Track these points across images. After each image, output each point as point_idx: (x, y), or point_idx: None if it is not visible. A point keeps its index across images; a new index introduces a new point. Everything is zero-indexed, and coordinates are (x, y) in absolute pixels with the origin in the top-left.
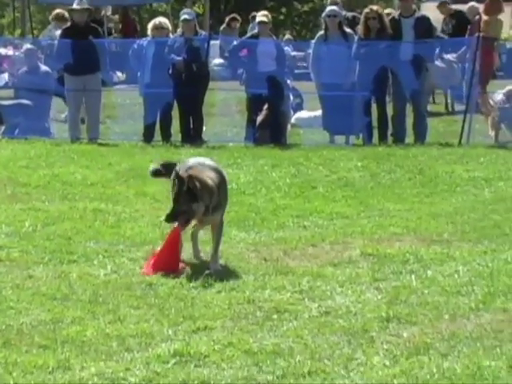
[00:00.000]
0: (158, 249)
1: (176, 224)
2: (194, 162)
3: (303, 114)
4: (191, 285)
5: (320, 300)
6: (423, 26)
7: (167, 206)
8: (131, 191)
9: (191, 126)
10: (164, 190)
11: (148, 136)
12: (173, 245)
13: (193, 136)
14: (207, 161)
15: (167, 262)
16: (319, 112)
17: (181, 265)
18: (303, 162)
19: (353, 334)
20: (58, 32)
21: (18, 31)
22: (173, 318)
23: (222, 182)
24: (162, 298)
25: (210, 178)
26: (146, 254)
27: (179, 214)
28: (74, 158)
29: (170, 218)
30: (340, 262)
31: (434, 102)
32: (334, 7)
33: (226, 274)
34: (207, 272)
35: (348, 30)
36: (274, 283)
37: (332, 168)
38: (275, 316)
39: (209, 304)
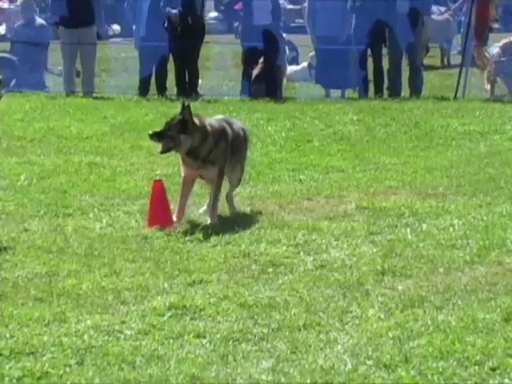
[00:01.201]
0: (149, 203)
1: (158, 149)
2: (221, 117)
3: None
4: (187, 238)
5: (315, 253)
6: None
7: (163, 161)
8: (126, 145)
9: (187, 79)
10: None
11: (143, 89)
12: (159, 200)
13: (188, 89)
14: (234, 119)
15: (159, 218)
16: (304, 65)
17: (174, 218)
18: (299, 115)
19: (348, 287)
20: None
21: None
22: (168, 271)
23: (236, 141)
24: (157, 252)
25: (217, 128)
26: (141, 207)
27: (165, 137)
28: (69, 112)
29: (155, 136)
30: (335, 215)
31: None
32: None
33: (221, 227)
34: (203, 225)
35: None
36: (269, 237)
37: (327, 122)
38: (270, 269)
39: (204, 257)
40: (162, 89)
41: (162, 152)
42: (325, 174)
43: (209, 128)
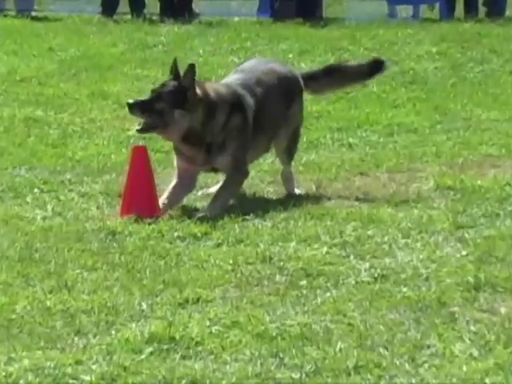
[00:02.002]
0: (125, 181)
1: (136, 127)
2: (251, 63)
3: None
4: (176, 234)
5: (372, 257)
6: None
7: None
8: (83, 91)
9: None
10: (134, 87)
11: (109, 6)
12: (140, 176)
13: (178, 5)
14: (276, 65)
15: (139, 203)
16: None
17: (161, 203)
18: (347, 46)
19: (423, 309)
20: None
21: None
22: (148, 284)
23: (270, 98)
24: (131, 255)
25: (226, 97)
26: (106, 186)
27: (152, 110)
28: None
29: (138, 107)
30: (404, 199)
31: None
32: None
33: (229, 217)
34: (199, 215)
35: None
36: (301, 232)
37: (392, 56)
38: (304, 282)
39: (203, 263)
40: (137, 5)
41: (142, 130)
42: (387, 136)
43: (215, 97)
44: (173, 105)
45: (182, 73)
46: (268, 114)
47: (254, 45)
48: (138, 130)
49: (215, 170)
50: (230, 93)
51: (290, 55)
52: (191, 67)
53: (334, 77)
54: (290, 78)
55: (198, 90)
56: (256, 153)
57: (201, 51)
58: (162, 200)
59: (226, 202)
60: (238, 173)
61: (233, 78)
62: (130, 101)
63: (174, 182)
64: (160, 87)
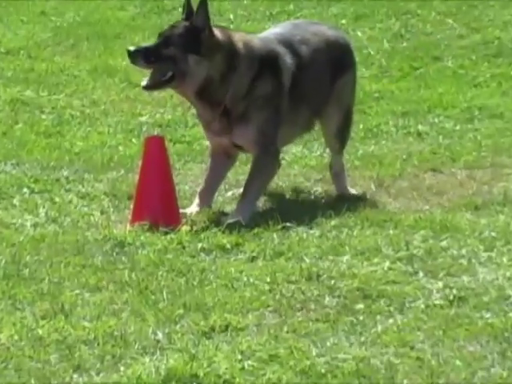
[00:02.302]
0: (136, 180)
1: (143, 81)
2: (296, 21)
3: None
4: (200, 245)
5: (447, 275)
6: None
7: (158, 98)
8: (84, 66)
9: None
10: None
11: None
12: (156, 173)
13: None
14: (326, 27)
15: (153, 208)
16: None
17: (192, 209)
18: (415, 9)
19: (510, 339)
20: None
21: None
22: (165, 308)
23: (313, 69)
24: (143, 271)
25: (258, 50)
26: (112, 186)
27: (160, 57)
28: None
29: (141, 55)
30: (486, 202)
31: None
32: None
33: (266, 225)
34: (229, 221)
35: None
36: (357, 243)
37: (472, 22)
38: (360, 305)
39: (232, 282)
40: None
41: (150, 87)
42: (466, 123)
43: (242, 48)
44: (185, 49)
45: None
46: (312, 83)
47: (298, 8)
48: (144, 87)
49: (238, 147)
50: (263, 47)
51: (344, 21)
52: (203, 4)
53: None
54: (342, 44)
55: (218, 34)
56: (292, 131)
57: (231, 16)
58: (195, 204)
59: (257, 197)
60: (266, 154)
61: (271, 33)
62: (131, 48)
63: (208, 163)
64: (168, 30)
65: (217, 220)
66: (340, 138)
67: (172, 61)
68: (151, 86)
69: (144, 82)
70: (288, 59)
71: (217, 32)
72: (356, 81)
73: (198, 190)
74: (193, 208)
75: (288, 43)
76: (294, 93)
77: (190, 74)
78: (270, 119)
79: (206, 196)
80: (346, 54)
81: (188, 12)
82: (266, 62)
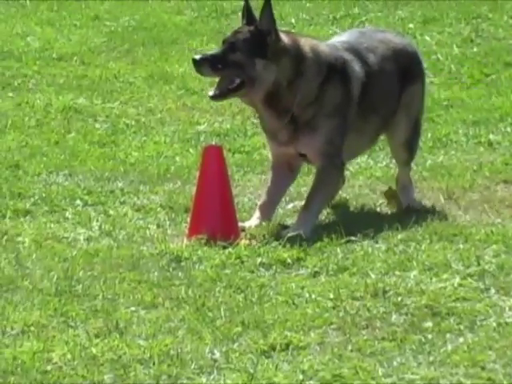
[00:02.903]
0: (194, 191)
1: (210, 92)
2: (363, 29)
3: None
4: (259, 260)
5: None
6: None
7: (218, 107)
8: (140, 72)
9: None
10: None
11: None
12: (214, 185)
13: None
14: (394, 35)
15: (211, 221)
16: None
17: (251, 222)
18: (487, 13)
19: None
20: None
21: None
22: (222, 325)
23: (380, 78)
24: (201, 288)
25: (327, 57)
26: (168, 198)
27: (227, 64)
28: (26, 6)
29: (207, 62)
30: None
31: None
32: None
33: (329, 238)
34: (289, 235)
35: None
36: (426, 258)
37: None
38: (429, 323)
39: (293, 298)
40: None
41: (218, 96)
42: None
43: (309, 52)
44: (252, 54)
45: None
46: (381, 92)
47: (364, 11)
48: (212, 97)
49: (303, 157)
50: (332, 53)
51: (411, 25)
52: (267, 6)
53: None
54: (411, 52)
55: (284, 37)
56: (360, 143)
57: (293, 20)
58: (256, 217)
59: (320, 209)
60: (331, 165)
61: (338, 40)
62: (197, 56)
63: (269, 176)
64: (232, 35)
65: (277, 233)
66: (407, 149)
67: (239, 67)
68: (220, 95)
69: (211, 92)
70: (357, 67)
71: (282, 36)
72: (425, 91)
73: (259, 203)
74: (252, 222)
75: (355, 51)
76: (362, 102)
77: (258, 80)
78: (338, 128)
79: (267, 210)
80: (415, 63)
81: (249, 17)
82: (333, 67)
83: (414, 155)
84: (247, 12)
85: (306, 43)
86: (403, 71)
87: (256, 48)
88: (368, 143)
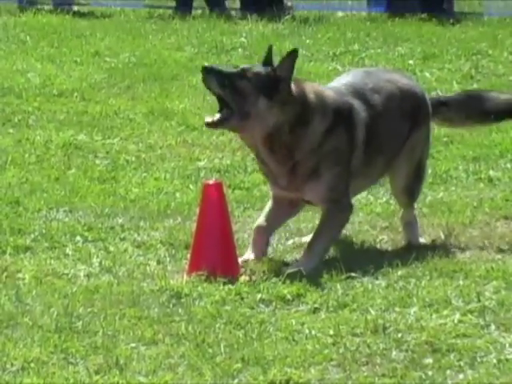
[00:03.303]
0: (194, 228)
1: (207, 118)
2: (368, 69)
3: None
4: (259, 296)
5: None
6: None
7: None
8: (140, 108)
9: None
10: (205, 104)
11: (183, 1)
12: (214, 221)
13: None
14: (400, 76)
15: (211, 258)
16: None
17: (246, 257)
18: (487, 49)
19: None
20: None
21: None
22: (222, 362)
23: (385, 119)
24: (201, 324)
25: (333, 103)
26: (169, 234)
27: (233, 86)
28: (26, 42)
29: (214, 75)
30: None
31: None
32: None
33: (329, 275)
34: (290, 271)
35: None
36: (426, 294)
37: None
38: (429, 360)
39: (293, 334)
40: None
41: (217, 124)
42: None
43: (314, 101)
44: (259, 90)
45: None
46: (386, 134)
47: (364, 48)
48: (208, 124)
49: (309, 202)
50: (336, 99)
51: (411, 61)
52: (293, 53)
53: (471, 107)
54: (417, 94)
55: (294, 87)
56: (364, 183)
57: None
58: (250, 252)
59: (324, 251)
60: (337, 209)
61: (342, 82)
62: (207, 65)
63: (269, 204)
64: (249, 67)
65: (277, 270)
66: (408, 194)
67: (242, 96)
68: (218, 123)
69: (209, 118)
70: (362, 111)
71: (292, 84)
72: (430, 134)
73: (254, 229)
74: (249, 255)
75: (361, 93)
76: (368, 145)
77: (255, 116)
78: (342, 174)
79: (262, 241)
80: (421, 105)
81: (267, 60)
82: (338, 115)
83: (415, 199)
84: (267, 54)
85: (311, 90)
86: (410, 113)
87: (266, 87)
88: (373, 182)
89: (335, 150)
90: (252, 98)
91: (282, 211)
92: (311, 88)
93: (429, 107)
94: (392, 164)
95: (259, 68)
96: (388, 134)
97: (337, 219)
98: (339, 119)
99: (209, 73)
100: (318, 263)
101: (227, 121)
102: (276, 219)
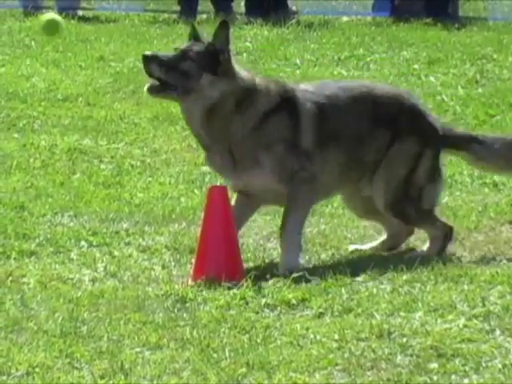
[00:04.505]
0: (199, 232)
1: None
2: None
3: None
4: (264, 301)
5: None
6: None
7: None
8: (145, 112)
9: None
10: None
11: (189, 4)
12: (219, 226)
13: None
14: (381, 84)
15: (216, 262)
16: None
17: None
18: (491, 54)
19: None
20: None
21: None
22: (227, 366)
23: (347, 124)
24: (205, 328)
25: (273, 88)
26: (174, 239)
27: (174, 69)
28: (31, 47)
29: (155, 62)
30: None
31: None
32: None
33: (334, 279)
34: (279, 273)
35: None
36: (431, 299)
37: None
38: (434, 364)
39: (297, 339)
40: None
41: (155, 89)
42: None
43: (261, 83)
44: (203, 67)
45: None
46: (346, 134)
47: (369, 52)
48: (149, 89)
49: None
50: (283, 86)
51: (416, 66)
52: (223, 24)
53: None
54: (401, 104)
55: (242, 69)
56: (330, 176)
57: (298, 61)
58: None
59: (298, 234)
60: (295, 186)
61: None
62: (148, 53)
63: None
64: (186, 46)
65: (282, 274)
66: (395, 212)
67: (186, 75)
68: (156, 90)
69: (147, 85)
70: (309, 102)
71: (234, 62)
72: (428, 154)
73: None
74: None
75: (317, 89)
76: (322, 142)
77: (199, 91)
78: (287, 153)
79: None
80: (408, 118)
81: (195, 37)
82: (283, 100)
83: (411, 221)
84: (193, 32)
85: (258, 75)
86: (388, 121)
87: (208, 63)
88: (339, 180)
89: (274, 133)
90: (196, 75)
91: (245, 207)
92: (254, 72)
93: (423, 123)
94: (366, 173)
95: (199, 46)
96: (350, 134)
97: (299, 196)
98: (282, 105)
99: (150, 61)
100: (298, 250)
101: (168, 90)
102: (240, 215)
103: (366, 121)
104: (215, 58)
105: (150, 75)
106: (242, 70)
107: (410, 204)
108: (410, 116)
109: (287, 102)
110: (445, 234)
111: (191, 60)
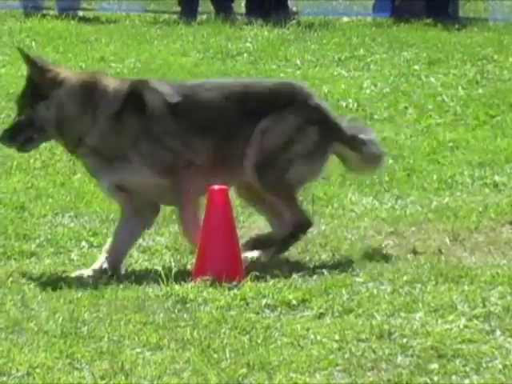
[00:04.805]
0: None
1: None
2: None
3: None
4: (265, 302)
5: None
6: None
7: None
8: None
9: None
10: None
11: (190, 5)
12: (220, 226)
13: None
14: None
15: (216, 262)
16: None
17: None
18: (492, 54)
19: None
20: None
21: None
22: (228, 367)
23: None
24: (206, 329)
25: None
26: (174, 239)
27: (26, 128)
28: (32, 48)
29: (8, 137)
30: None
31: None
32: None
33: (334, 280)
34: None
35: None
36: (431, 299)
37: None
38: (435, 365)
39: (298, 340)
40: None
41: (27, 148)
42: None
43: (100, 87)
44: (33, 103)
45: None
46: (207, 118)
47: (369, 53)
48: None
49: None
50: (124, 83)
51: (417, 66)
52: (22, 55)
53: None
54: (277, 87)
55: (76, 79)
56: (203, 156)
57: (298, 62)
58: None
59: (190, 222)
60: (176, 182)
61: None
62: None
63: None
64: (19, 97)
65: (282, 275)
66: (258, 175)
67: (31, 124)
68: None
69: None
70: (158, 92)
71: (58, 70)
72: (311, 133)
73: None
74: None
75: (165, 82)
76: (178, 120)
77: (43, 123)
78: (153, 150)
79: None
80: (278, 96)
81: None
82: (127, 98)
83: (271, 188)
84: (26, 60)
85: (97, 79)
86: (257, 104)
87: (34, 96)
88: (216, 165)
89: (130, 133)
90: (35, 114)
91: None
92: (98, 77)
93: (313, 108)
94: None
95: (24, 89)
96: (212, 119)
97: (183, 187)
98: (129, 103)
99: (2, 141)
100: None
101: (29, 146)
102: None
103: (234, 113)
104: (35, 85)
105: (10, 147)
106: (67, 75)
107: (275, 170)
108: (298, 102)
109: (132, 99)
110: (296, 224)
111: (26, 107)
